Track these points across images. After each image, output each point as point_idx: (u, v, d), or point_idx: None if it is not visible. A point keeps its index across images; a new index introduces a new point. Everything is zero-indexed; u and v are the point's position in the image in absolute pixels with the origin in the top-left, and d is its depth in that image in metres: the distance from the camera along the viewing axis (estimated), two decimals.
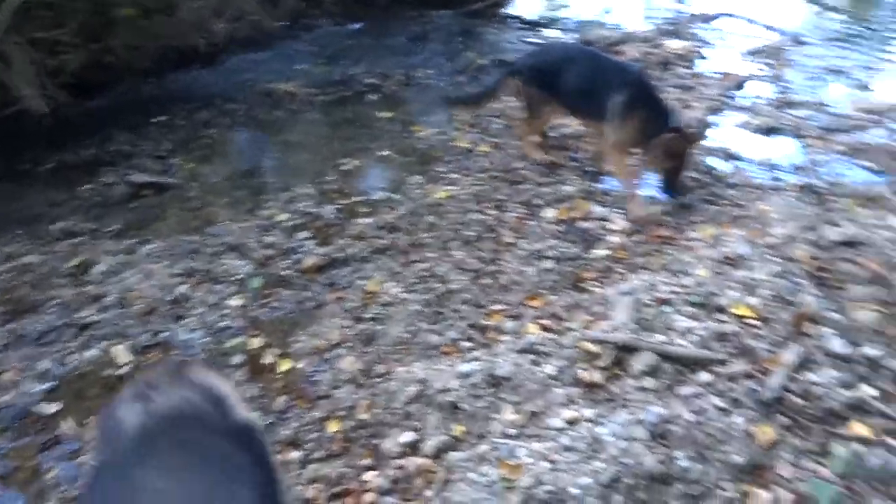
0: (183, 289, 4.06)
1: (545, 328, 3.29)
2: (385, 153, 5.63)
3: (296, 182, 5.13)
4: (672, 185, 4.35)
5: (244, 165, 5.67)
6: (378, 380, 3.20)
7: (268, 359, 3.55)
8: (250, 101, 6.79)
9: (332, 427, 2.98)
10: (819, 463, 2.47)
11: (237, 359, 3.52)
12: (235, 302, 3.97)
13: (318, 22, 8.71)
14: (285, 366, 3.51)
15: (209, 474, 1.59)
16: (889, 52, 7.04)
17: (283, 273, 4.21)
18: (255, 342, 3.67)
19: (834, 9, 7.89)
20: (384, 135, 5.97)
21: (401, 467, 2.66)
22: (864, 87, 6.05)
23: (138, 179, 5.28)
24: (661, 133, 4.21)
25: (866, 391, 2.77)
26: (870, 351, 2.95)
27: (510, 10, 9.48)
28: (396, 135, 5.95)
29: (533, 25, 8.85)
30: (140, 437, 1.66)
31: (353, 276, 4.11)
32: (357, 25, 8.68)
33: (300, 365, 3.49)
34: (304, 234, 4.55)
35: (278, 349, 3.62)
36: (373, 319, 3.69)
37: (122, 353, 3.58)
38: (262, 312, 3.91)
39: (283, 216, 4.72)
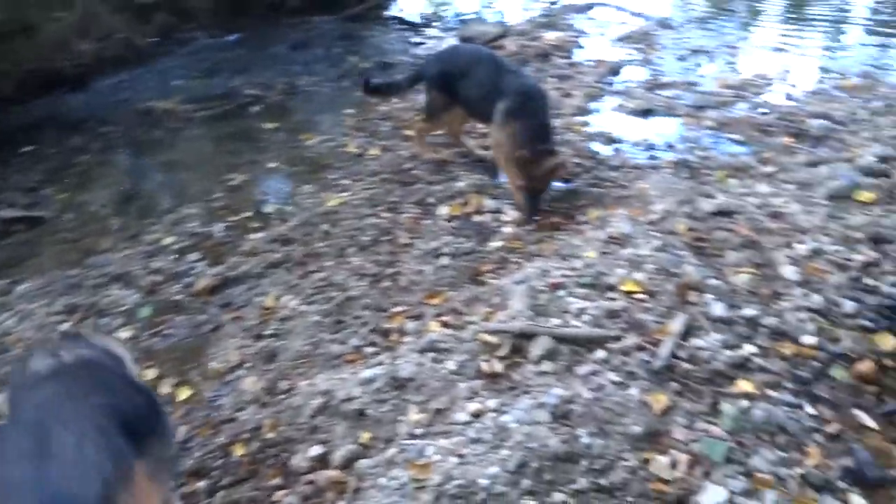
0: (66, 326, 3.84)
1: (446, 325, 3.31)
2: (273, 165, 5.52)
3: (181, 202, 4.95)
4: (530, 202, 4.25)
5: (124, 190, 5.40)
6: (282, 396, 3.13)
7: (165, 389, 3.42)
8: (126, 122, 6.49)
9: (238, 451, 2.89)
10: (710, 423, 2.61)
11: None
12: (125, 334, 3.79)
13: (193, 35, 8.42)
14: (184, 394, 3.38)
15: (111, 397, 1.99)
16: (748, 32, 7.53)
17: (174, 298, 4.06)
18: (150, 373, 3.51)
19: None
20: (271, 146, 5.85)
21: (311, 482, 2.61)
22: (727, 66, 6.43)
23: (6, 215, 4.96)
24: (534, 146, 4.20)
25: (748, 349, 2.95)
26: (748, 311, 3.14)
27: (392, 11, 9.49)
28: (283, 145, 5.84)
29: (414, 26, 8.89)
30: (51, 376, 2.01)
31: (248, 293, 4.01)
32: (234, 37, 8.45)
33: (200, 391, 3.38)
34: (194, 255, 4.40)
35: (175, 377, 3.49)
36: (273, 336, 3.60)
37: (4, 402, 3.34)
38: (155, 342, 3.76)
39: (170, 239, 4.55)
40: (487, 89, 4.50)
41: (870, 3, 8.09)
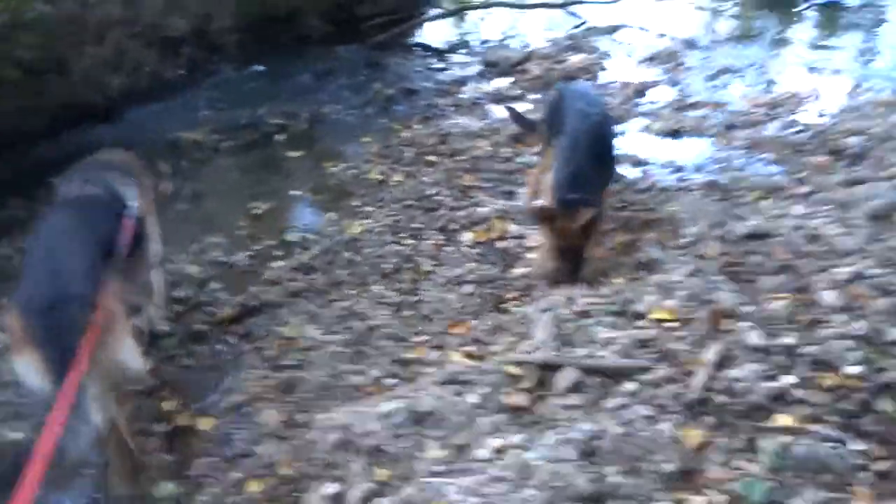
0: None
1: (469, 355, 3.22)
2: (297, 193, 5.51)
3: (205, 232, 4.93)
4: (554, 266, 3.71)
5: None
6: (300, 430, 3.05)
7: (183, 420, 3.36)
8: (153, 153, 6.53)
9: (253, 487, 2.81)
10: (748, 460, 2.45)
11: (159, 427, 3.31)
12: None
13: (219, 67, 8.51)
14: (203, 426, 3.32)
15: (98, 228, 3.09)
16: (776, 50, 7.38)
17: (196, 327, 4.02)
18: (169, 404, 3.47)
19: (721, 13, 8.24)
20: (295, 174, 5.85)
21: None
22: (758, 84, 6.30)
23: None
24: (563, 195, 3.59)
25: (786, 380, 2.79)
26: (786, 340, 2.98)
27: (416, 38, 9.52)
28: (308, 173, 5.84)
29: (439, 52, 8.90)
30: (70, 202, 3.29)
31: (269, 323, 3.96)
32: (260, 68, 8.52)
33: (218, 423, 3.31)
34: (216, 284, 4.37)
35: (195, 407, 3.44)
36: (293, 366, 3.54)
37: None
38: (176, 371, 3.71)
39: (193, 269, 4.52)
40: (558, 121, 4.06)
41: None
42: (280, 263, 4.47)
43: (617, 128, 5.67)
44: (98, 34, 7.36)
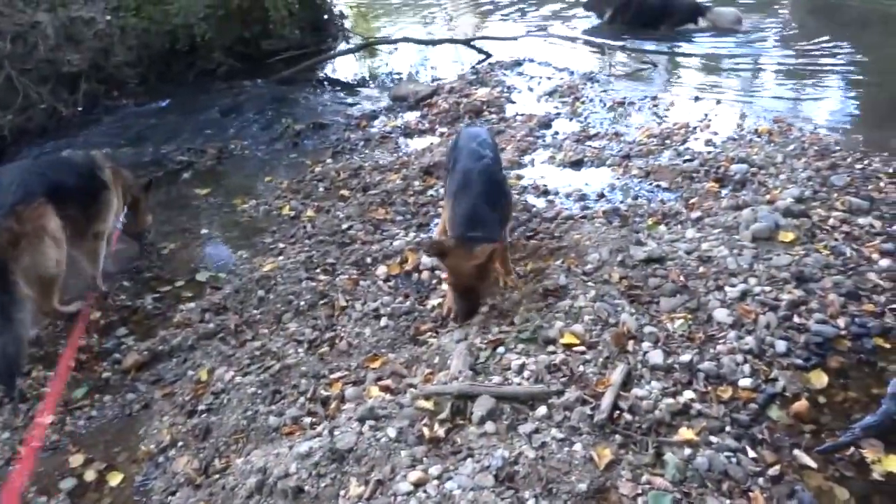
0: None
1: (386, 388, 3.24)
2: (206, 231, 5.41)
3: (109, 275, 4.75)
4: (459, 304, 3.67)
5: None
6: (217, 476, 2.98)
7: (90, 475, 3.22)
8: None
9: None
10: (655, 474, 2.58)
11: (66, 483, 3.15)
12: (48, 418, 3.56)
13: (120, 103, 8.26)
14: (114, 480, 3.19)
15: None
16: (671, 84, 7.85)
17: (101, 377, 3.86)
18: (76, 459, 3.31)
19: (617, 49, 8.69)
20: (203, 212, 5.73)
21: None
22: (652, 116, 6.68)
23: None
24: (460, 233, 3.54)
25: (687, 396, 2.97)
26: (685, 357, 3.18)
27: (325, 73, 9.55)
28: (217, 210, 5.74)
29: (348, 86, 8.97)
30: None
31: (181, 367, 3.86)
32: (164, 103, 8.33)
33: (129, 476, 3.19)
34: (122, 330, 4.22)
35: (103, 462, 3.30)
36: (207, 411, 3.46)
37: None
38: (81, 425, 3.55)
39: (96, 314, 4.35)
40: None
41: (778, 54, 8.58)
42: (190, 305, 4.37)
43: (523, 158, 5.91)
44: None
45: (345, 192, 5.65)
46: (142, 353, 3.94)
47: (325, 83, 9.11)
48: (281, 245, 4.99)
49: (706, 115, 6.46)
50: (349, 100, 8.37)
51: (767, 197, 4.56)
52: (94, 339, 4.14)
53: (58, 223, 3.97)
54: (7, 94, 7.26)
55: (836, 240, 3.98)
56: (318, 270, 4.52)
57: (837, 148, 5.33)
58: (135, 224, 5.02)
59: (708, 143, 5.80)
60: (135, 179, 5.04)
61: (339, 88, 8.94)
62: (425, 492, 2.49)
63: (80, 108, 7.96)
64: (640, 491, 2.50)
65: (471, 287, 3.55)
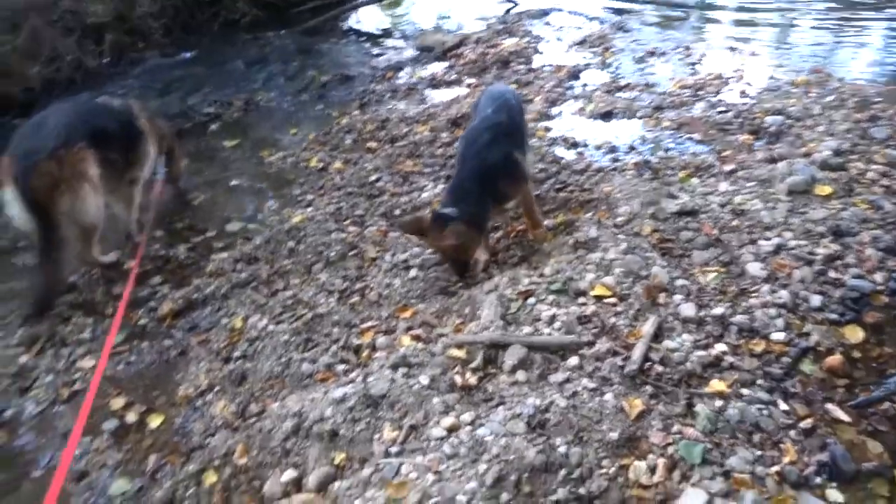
0: (24, 359, 3.71)
1: (417, 338, 3.27)
2: (235, 182, 5.44)
3: (141, 223, 4.81)
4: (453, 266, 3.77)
5: None
6: (253, 420, 3.05)
7: (131, 417, 3.32)
8: None
9: (210, 479, 2.80)
10: (686, 424, 2.60)
11: (108, 424, 3.25)
12: (89, 363, 3.68)
13: (146, 55, 8.24)
14: (154, 422, 3.29)
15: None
16: (704, 34, 7.63)
17: (138, 324, 3.95)
18: (118, 402, 3.41)
19: None
20: (232, 164, 5.76)
21: None
22: (684, 66, 6.52)
23: None
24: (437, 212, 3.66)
25: (719, 348, 2.97)
26: (717, 310, 3.16)
27: (350, 24, 9.43)
28: (245, 162, 5.76)
29: (373, 37, 8.85)
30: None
31: (215, 315, 3.93)
32: (189, 54, 8.30)
33: (169, 418, 3.29)
34: (157, 279, 4.29)
35: (143, 405, 3.39)
36: (242, 357, 3.53)
37: None
38: (121, 370, 3.65)
39: (131, 263, 4.42)
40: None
41: (818, 2, 8.28)
42: (222, 255, 4.42)
43: (551, 110, 5.82)
44: (11, 22, 7.03)
45: (372, 144, 5.63)
46: (176, 302, 4.01)
47: (351, 33, 9.00)
48: (309, 197, 5.01)
49: (741, 65, 6.28)
50: (375, 51, 8.28)
51: (804, 150, 4.45)
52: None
53: (97, 170, 4.04)
54: (32, 45, 7.28)
55: (874, 193, 3.89)
56: (347, 222, 4.54)
57: (878, 99, 5.15)
58: (172, 171, 5.09)
59: (742, 94, 5.65)
60: (168, 128, 5.09)
61: (364, 39, 8.83)
62: (458, 437, 2.53)
63: (106, 60, 7.96)
64: (670, 440, 2.52)
65: (457, 259, 3.68)
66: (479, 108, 4.19)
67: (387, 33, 9.00)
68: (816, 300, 3.16)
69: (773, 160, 4.40)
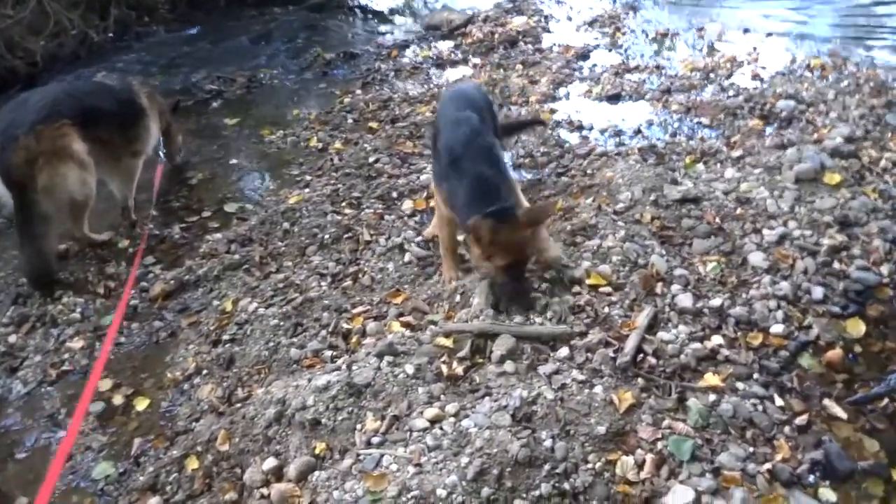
0: (13, 339, 3.69)
1: (407, 325, 3.20)
2: (234, 161, 5.37)
3: (136, 203, 4.76)
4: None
5: None
6: (238, 405, 3.01)
7: (118, 399, 3.28)
8: None
9: (192, 464, 2.77)
10: (677, 419, 2.52)
11: (94, 407, 3.21)
12: (78, 343, 3.64)
13: (151, 30, 8.16)
14: (141, 404, 3.25)
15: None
16: (716, 13, 7.42)
17: (129, 304, 3.90)
18: (105, 384, 3.37)
19: None
20: (232, 142, 5.69)
21: (265, 497, 2.49)
22: (695, 48, 6.35)
23: None
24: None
25: (715, 341, 2.88)
26: (715, 301, 3.07)
27: (356, 1, 9.28)
28: (245, 141, 5.69)
29: (380, 15, 8.71)
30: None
31: (206, 297, 3.87)
32: (194, 30, 8.21)
33: (156, 401, 3.25)
34: (149, 259, 4.25)
35: (130, 387, 3.36)
36: (231, 341, 3.48)
37: None
38: (109, 350, 3.60)
39: (125, 242, 4.39)
40: None
41: None
42: (217, 235, 4.36)
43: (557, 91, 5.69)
44: None
45: (373, 125, 5.54)
46: (168, 283, 3.96)
47: (357, 10, 8.87)
48: (307, 177, 4.93)
49: (755, 48, 6.11)
50: (381, 28, 8.16)
51: (815, 136, 4.32)
52: (123, 266, 4.17)
53: (83, 146, 3.99)
54: (38, 18, 7.21)
55: (886, 182, 3.76)
56: (343, 204, 4.46)
57: None
58: (169, 149, 5.04)
59: (755, 77, 5.50)
60: (166, 104, 5.03)
61: (370, 16, 8.70)
62: (441, 429, 2.47)
63: (110, 35, 7.89)
64: (660, 436, 2.45)
65: (524, 260, 3.05)
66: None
67: (394, 11, 8.85)
68: (819, 292, 3.07)
69: (782, 146, 4.28)
